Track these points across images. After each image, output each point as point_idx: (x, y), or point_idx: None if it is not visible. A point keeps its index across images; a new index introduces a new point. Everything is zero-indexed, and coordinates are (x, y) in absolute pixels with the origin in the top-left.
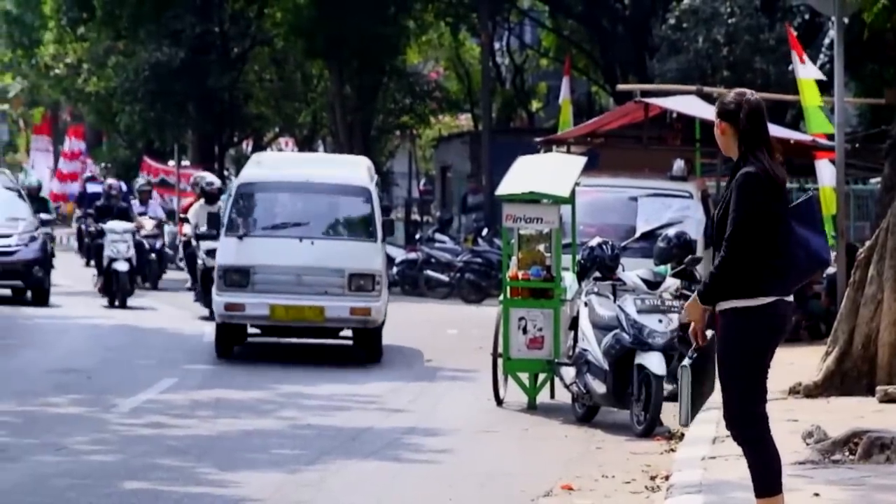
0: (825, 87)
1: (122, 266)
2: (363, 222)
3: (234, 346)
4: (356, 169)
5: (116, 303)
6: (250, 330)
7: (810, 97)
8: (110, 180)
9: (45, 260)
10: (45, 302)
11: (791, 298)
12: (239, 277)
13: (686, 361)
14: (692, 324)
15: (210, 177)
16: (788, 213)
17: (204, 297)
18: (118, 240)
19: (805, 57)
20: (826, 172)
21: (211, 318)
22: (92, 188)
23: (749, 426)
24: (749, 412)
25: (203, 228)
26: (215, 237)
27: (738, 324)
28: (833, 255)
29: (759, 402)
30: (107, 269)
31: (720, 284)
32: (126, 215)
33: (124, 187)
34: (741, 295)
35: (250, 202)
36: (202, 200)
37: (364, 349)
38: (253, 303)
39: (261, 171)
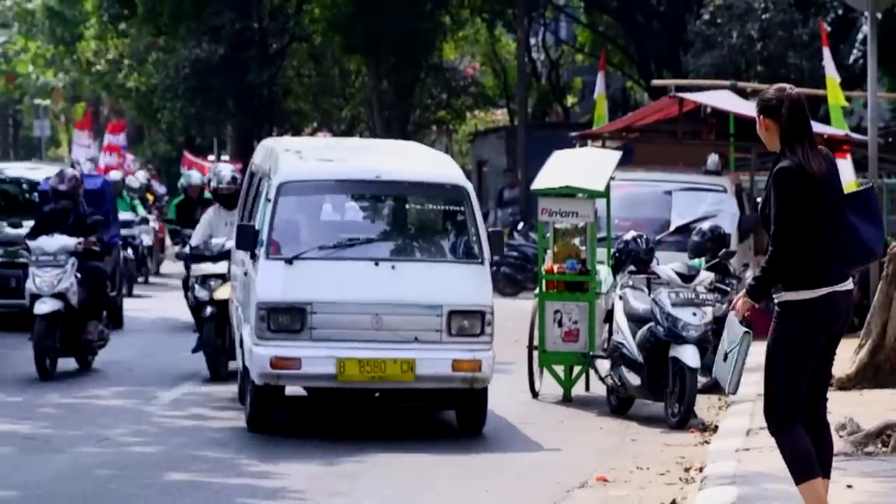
0: (858, 82)
1: (43, 307)
2: (463, 236)
3: (273, 410)
4: (441, 161)
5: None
6: (291, 389)
7: (833, 95)
8: (66, 169)
9: None
10: None
11: (848, 287)
12: (290, 320)
13: (746, 329)
14: (742, 313)
15: (227, 169)
16: (844, 201)
17: (203, 347)
18: (46, 263)
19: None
20: (846, 168)
21: (214, 377)
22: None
23: (779, 417)
24: (785, 403)
25: (227, 243)
26: (213, 257)
27: (790, 316)
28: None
29: (798, 394)
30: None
31: (768, 280)
32: (79, 223)
33: (84, 170)
34: (793, 287)
35: (298, 209)
36: (216, 205)
37: (462, 415)
38: (312, 357)
39: (306, 163)
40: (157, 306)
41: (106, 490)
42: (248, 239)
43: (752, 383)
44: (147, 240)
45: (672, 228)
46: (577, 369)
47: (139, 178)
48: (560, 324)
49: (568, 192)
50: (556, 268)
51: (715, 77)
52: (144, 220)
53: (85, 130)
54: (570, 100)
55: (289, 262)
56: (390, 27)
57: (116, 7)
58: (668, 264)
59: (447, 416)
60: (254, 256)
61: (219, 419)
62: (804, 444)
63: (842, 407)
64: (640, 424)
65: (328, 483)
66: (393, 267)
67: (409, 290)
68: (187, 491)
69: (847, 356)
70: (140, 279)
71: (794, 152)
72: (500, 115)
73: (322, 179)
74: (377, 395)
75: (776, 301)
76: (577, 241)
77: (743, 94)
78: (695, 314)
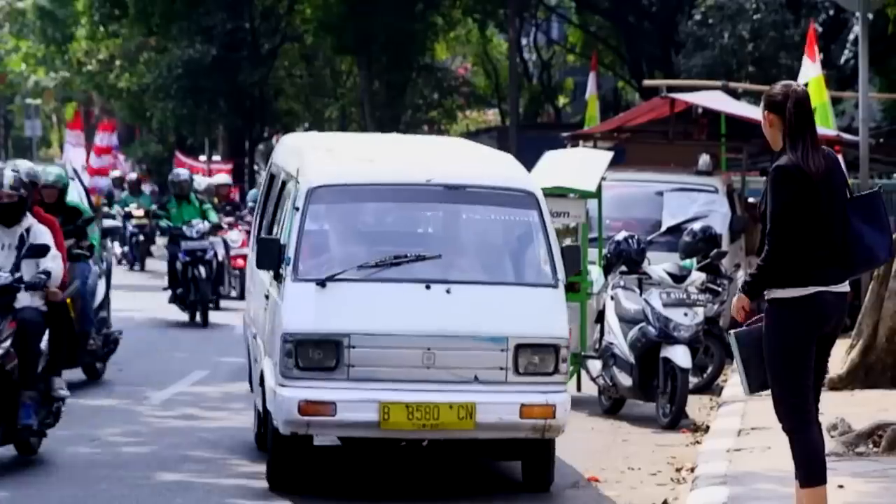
0: (849, 83)
1: None
2: (533, 253)
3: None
4: (504, 161)
5: None
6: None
7: (818, 95)
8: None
9: None
10: None
11: (842, 289)
12: (323, 356)
13: (733, 331)
14: (737, 310)
15: (8, 171)
16: (849, 205)
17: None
18: None
19: (816, 55)
20: None
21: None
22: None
23: (788, 417)
24: (790, 403)
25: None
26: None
27: (778, 313)
28: None
29: (799, 393)
30: None
31: (762, 278)
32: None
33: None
34: (783, 285)
35: (333, 220)
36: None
37: (529, 468)
38: (350, 400)
39: (341, 164)
40: (150, 307)
41: (98, 490)
42: (271, 255)
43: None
44: (220, 253)
45: (663, 229)
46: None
47: (213, 178)
48: None
49: (559, 193)
50: None
51: (706, 77)
52: (218, 228)
53: (76, 130)
54: (562, 100)
55: (321, 284)
56: (382, 27)
57: (108, 7)
58: (659, 265)
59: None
60: (278, 277)
61: (210, 419)
62: (817, 447)
63: (833, 407)
64: (631, 425)
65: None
66: (448, 291)
67: (467, 318)
68: (178, 491)
69: (839, 356)
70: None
71: (794, 149)
72: (492, 116)
73: (361, 184)
74: (425, 443)
75: (766, 298)
76: (568, 241)
77: (734, 94)
78: (686, 314)
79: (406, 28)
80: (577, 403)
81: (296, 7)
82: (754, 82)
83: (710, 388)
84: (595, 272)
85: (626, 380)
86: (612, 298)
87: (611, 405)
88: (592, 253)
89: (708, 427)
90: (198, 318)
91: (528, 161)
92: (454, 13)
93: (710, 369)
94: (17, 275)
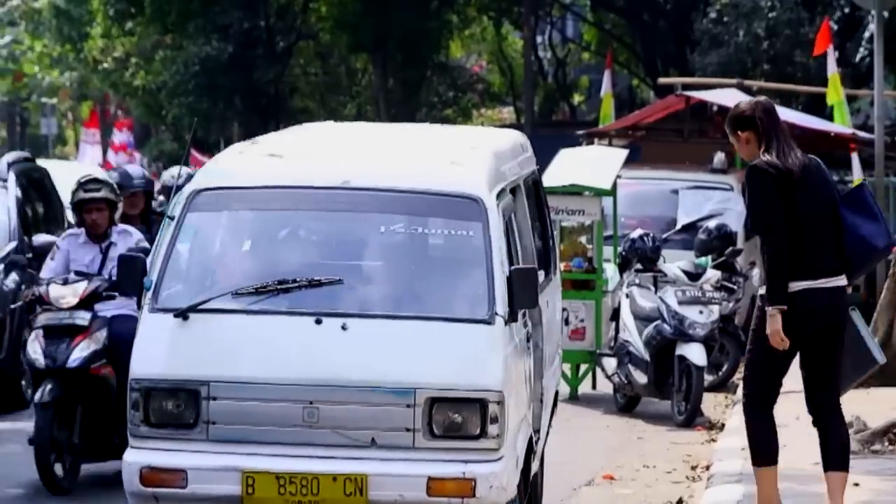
0: (864, 81)
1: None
2: (466, 278)
3: None
4: (459, 157)
5: None
6: None
7: (834, 93)
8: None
9: None
10: None
11: (834, 284)
12: (177, 409)
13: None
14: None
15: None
16: (840, 201)
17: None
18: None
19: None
20: (854, 165)
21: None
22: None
23: (752, 405)
24: (757, 394)
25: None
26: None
27: (763, 310)
28: None
29: (768, 387)
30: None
31: (777, 280)
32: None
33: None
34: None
35: (214, 233)
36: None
37: None
38: (205, 468)
39: (240, 162)
40: None
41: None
42: (132, 277)
43: None
44: None
45: (678, 227)
46: (583, 367)
47: None
48: (567, 322)
49: (574, 191)
50: (562, 266)
51: (721, 75)
52: None
53: (92, 129)
54: (577, 98)
55: (182, 315)
56: (397, 25)
57: (123, 4)
58: (674, 262)
59: None
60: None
61: None
62: (770, 433)
63: (848, 405)
64: (646, 422)
65: None
66: (343, 327)
67: (365, 363)
68: None
69: None
70: None
71: (769, 151)
72: (507, 114)
73: (254, 186)
74: None
75: (759, 293)
76: (583, 239)
77: (749, 92)
78: (701, 312)
79: (421, 26)
80: (592, 401)
81: (311, 5)
82: (769, 80)
83: (725, 385)
84: (610, 270)
85: (641, 377)
86: (627, 296)
87: (626, 403)
88: (608, 251)
89: (723, 425)
90: None
91: (544, 159)
92: (469, 11)
93: (725, 367)
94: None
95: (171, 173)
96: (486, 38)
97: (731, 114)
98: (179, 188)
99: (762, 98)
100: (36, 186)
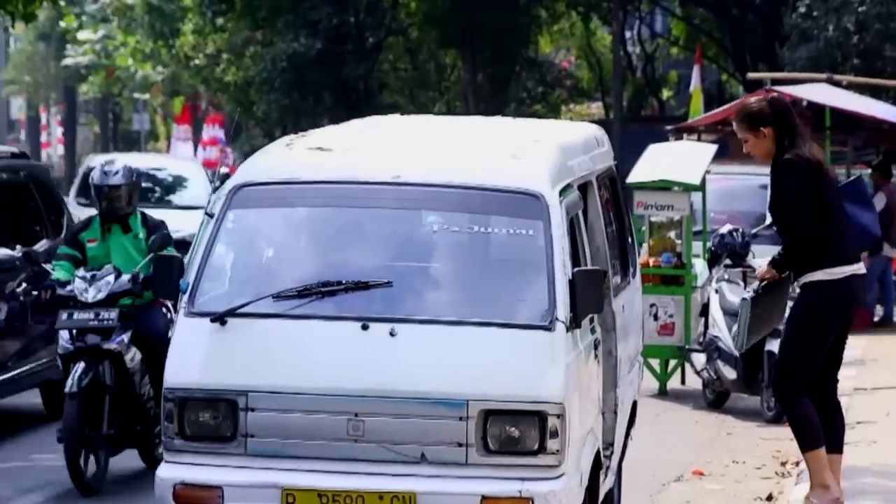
0: None
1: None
2: (525, 282)
3: None
4: (522, 151)
5: None
6: None
7: None
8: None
9: None
10: None
11: (863, 271)
12: (214, 421)
13: (747, 295)
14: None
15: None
16: (839, 191)
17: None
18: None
19: None
20: None
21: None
22: None
23: (789, 387)
24: (795, 377)
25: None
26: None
27: (811, 296)
28: None
29: (806, 371)
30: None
31: (788, 256)
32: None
33: None
34: (816, 267)
35: (256, 232)
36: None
37: None
38: (243, 485)
39: (286, 156)
40: None
41: None
42: (167, 278)
43: (849, 377)
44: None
45: (768, 222)
46: (672, 363)
47: None
48: (656, 317)
49: (663, 186)
50: (651, 261)
51: (811, 70)
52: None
53: (184, 124)
54: (666, 93)
55: (219, 320)
56: (486, 21)
57: (216, 2)
58: (763, 257)
59: None
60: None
61: None
62: (812, 414)
63: None
64: (735, 418)
65: None
66: (392, 333)
67: (414, 373)
68: None
69: None
70: None
71: (796, 146)
72: (596, 109)
73: (299, 182)
74: None
75: (801, 283)
76: (672, 234)
77: (839, 86)
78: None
79: (510, 21)
80: (681, 397)
81: (400, 1)
82: (859, 75)
83: None
84: (699, 265)
85: (730, 373)
86: (716, 292)
87: (715, 398)
88: (697, 246)
89: None
90: None
91: (633, 154)
92: (558, 6)
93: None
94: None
95: (97, 162)
96: (575, 33)
97: (747, 111)
98: (223, 181)
99: (773, 94)
100: (22, 188)
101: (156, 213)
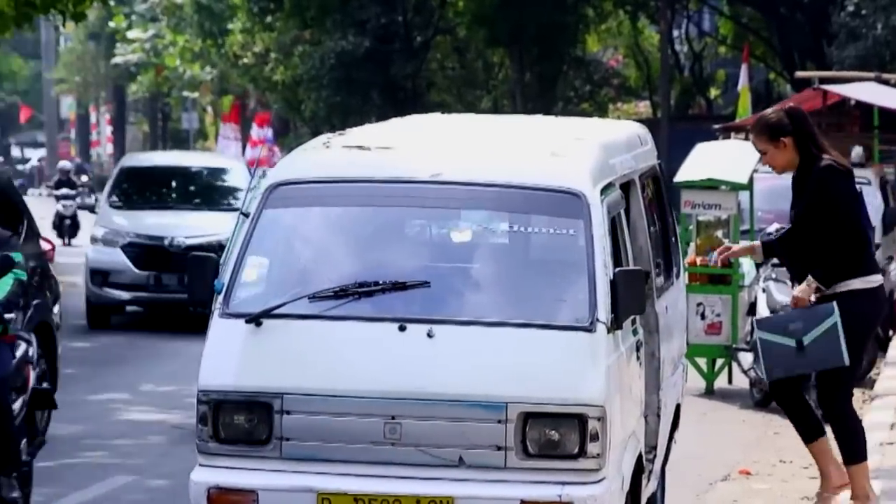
0: None
1: None
2: (566, 282)
3: None
4: (563, 147)
5: None
6: None
7: None
8: None
9: None
10: None
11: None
12: (248, 423)
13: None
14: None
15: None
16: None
17: None
18: None
19: None
20: None
21: None
22: None
23: (843, 401)
24: (847, 389)
25: None
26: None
27: (853, 306)
28: None
29: (852, 381)
30: None
31: (838, 270)
32: None
33: None
34: (854, 275)
35: (293, 231)
36: None
37: None
38: (277, 489)
39: (323, 154)
40: None
41: None
42: (202, 278)
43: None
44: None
45: None
46: (719, 362)
47: None
48: (703, 316)
49: (711, 185)
50: (698, 260)
51: (859, 69)
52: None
53: (231, 123)
54: (714, 92)
55: (254, 321)
56: (533, 20)
57: (264, 1)
58: None
59: None
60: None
61: None
62: (860, 426)
63: None
64: (782, 418)
65: None
66: (430, 334)
67: (453, 374)
68: None
69: None
70: None
71: (827, 151)
72: (643, 108)
73: (336, 180)
74: None
75: (840, 291)
76: (719, 233)
77: (887, 85)
78: None
79: (558, 20)
80: (728, 396)
81: (448, 0)
82: None
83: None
84: (747, 264)
85: None
86: (763, 290)
87: (762, 398)
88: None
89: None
90: None
91: (680, 153)
92: (605, 5)
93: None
94: None
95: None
96: (623, 32)
97: (765, 122)
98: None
99: (790, 105)
100: None
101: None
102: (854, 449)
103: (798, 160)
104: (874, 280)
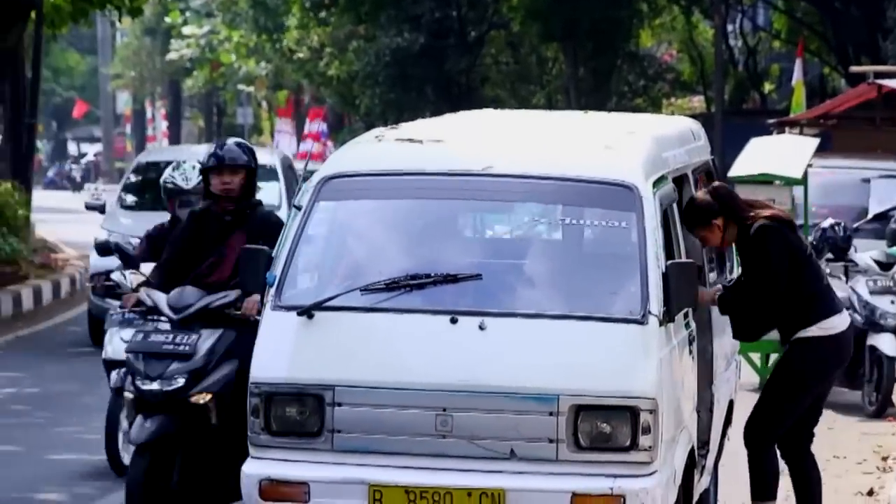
0: None
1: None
2: (617, 274)
3: None
4: (616, 140)
5: None
6: None
7: None
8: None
9: None
10: None
11: (849, 321)
12: (300, 414)
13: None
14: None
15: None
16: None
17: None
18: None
19: None
20: None
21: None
22: None
23: (761, 438)
24: (771, 429)
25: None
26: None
27: (806, 352)
28: None
29: (783, 425)
30: None
31: (792, 324)
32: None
33: None
34: (811, 322)
35: (345, 224)
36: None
37: None
38: (329, 481)
39: (374, 147)
40: None
41: None
42: (254, 271)
43: None
44: None
45: (870, 216)
46: (773, 357)
47: None
48: None
49: (765, 180)
50: None
51: None
52: None
53: (286, 118)
54: (768, 87)
55: (306, 314)
56: (587, 14)
57: None
58: (866, 252)
59: None
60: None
61: None
62: (776, 466)
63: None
64: (836, 413)
65: None
66: (482, 326)
67: (505, 367)
68: None
69: None
70: None
71: (757, 215)
72: (697, 103)
73: (388, 173)
74: None
75: (797, 337)
76: None
77: None
78: (893, 302)
79: (611, 15)
80: None
81: None
82: None
83: None
84: None
85: None
86: None
87: None
88: None
89: None
90: None
91: (734, 148)
92: (659, 0)
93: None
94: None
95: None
96: (677, 26)
97: (693, 210)
98: (307, 176)
99: (715, 185)
100: None
101: None
102: (762, 486)
103: (736, 231)
104: (832, 326)
